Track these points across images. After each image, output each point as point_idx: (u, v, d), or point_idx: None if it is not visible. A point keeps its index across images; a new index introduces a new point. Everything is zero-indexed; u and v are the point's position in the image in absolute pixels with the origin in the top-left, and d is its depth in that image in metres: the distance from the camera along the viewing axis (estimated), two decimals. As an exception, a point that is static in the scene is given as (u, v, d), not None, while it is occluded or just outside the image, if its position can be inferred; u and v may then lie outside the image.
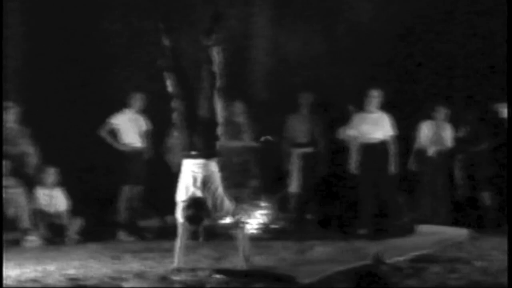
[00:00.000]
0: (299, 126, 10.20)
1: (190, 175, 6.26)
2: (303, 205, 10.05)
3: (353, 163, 9.68)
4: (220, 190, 6.31)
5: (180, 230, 6.41)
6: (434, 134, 9.92)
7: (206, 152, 6.33)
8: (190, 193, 6.22)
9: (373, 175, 9.54)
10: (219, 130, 6.50)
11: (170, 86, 6.45)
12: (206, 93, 6.44)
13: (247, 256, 6.40)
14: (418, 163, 9.96)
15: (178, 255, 6.43)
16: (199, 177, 6.23)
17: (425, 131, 9.97)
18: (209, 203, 6.21)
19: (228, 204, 6.35)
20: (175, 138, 7.11)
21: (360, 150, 9.67)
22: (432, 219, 9.50)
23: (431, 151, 9.89)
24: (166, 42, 6.50)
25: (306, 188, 10.06)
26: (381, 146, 9.61)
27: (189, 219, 6.18)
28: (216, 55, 6.47)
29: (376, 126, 9.64)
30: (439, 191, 9.84)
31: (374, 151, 9.59)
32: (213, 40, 6.46)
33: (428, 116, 10.00)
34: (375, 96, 9.68)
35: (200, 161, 6.28)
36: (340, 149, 10.05)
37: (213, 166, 6.34)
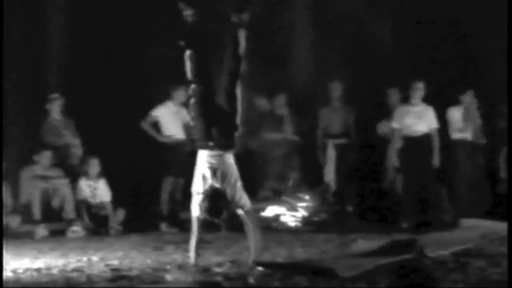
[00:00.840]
0: (331, 117, 10.16)
1: (207, 166, 5.98)
2: (342, 197, 10.01)
3: (395, 156, 9.59)
4: (239, 183, 6.05)
5: (194, 225, 6.15)
6: (465, 119, 9.72)
7: (223, 142, 6.01)
8: (207, 185, 5.95)
9: (416, 168, 9.44)
10: (239, 120, 6.13)
11: (188, 69, 6.11)
12: (227, 79, 6.08)
13: (258, 248, 6.13)
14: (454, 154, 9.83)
15: (194, 251, 6.17)
16: (217, 169, 5.96)
17: (455, 117, 9.76)
18: (229, 195, 5.96)
19: (246, 198, 6.10)
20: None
21: (403, 143, 9.58)
22: (472, 212, 9.35)
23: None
24: (187, 16, 6.12)
25: (342, 179, 10.02)
26: (424, 139, 9.51)
27: (208, 211, 5.92)
28: (243, 37, 6.08)
29: (419, 119, 9.53)
30: (475, 181, 9.67)
31: (417, 144, 9.49)
32: (242, 19, 6.09)
33: (457, 102, 9.83)
34: (419, 88, 9.54)
35: (216, 152, 6.00)
36: (375, 141, 10.03)
37: (230, 158, 6.05)
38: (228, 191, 5.97)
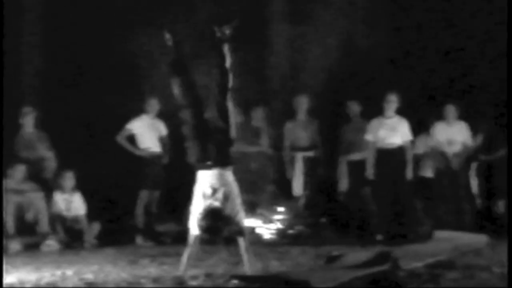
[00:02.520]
0: (298, 131, 10.20)
1: (208, 186, 6.03)
2: (315, 209, 10.05)
3: (370, 168, 9.64)
4: (239, 200, 6.15)
5: (191, 241, 6.24)
6: (447, 135, 9.82)
7: (221, 160, 6.09)
8: (206, 204, 5.98)
9: (390, 180, 9.49)
10: (233, 134, 6.22)
11: (176, 94, 6.18)
12: (216, 95, 6.13)
13: (253, 262, 6.25)
14: (435, 167, 9.92)
15: (185, 264, 6.25)
16: (219, 189, 6.00)
17: (439, 132, 9.87)
18: (229, 213, 6.02)
19: (243, 215, 6.18)
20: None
21: (377, 156, 9.62)
22: (451, 225, 9.42)
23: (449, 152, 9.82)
24: (169, 41, 6.24)
25: (312, 192, 10.07)
26: (398, 152, 9.55)
27: (206, 230, 5.98)
28: (228, 52, 6.17)
29: (393, 131, 9.58)
30: (461, 195, 9.74)
31: (391, 157, 9.53)
32: (226, 33, 6.17)
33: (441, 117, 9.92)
34: (392, 100, 9.60)
35: (216, 171, 6.05)
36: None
37: (230, 175, 6.13)
38: (228, 210, 6.04)
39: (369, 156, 9.67)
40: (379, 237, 9.32)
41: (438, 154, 9.83)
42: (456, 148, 9.76)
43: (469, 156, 9.91)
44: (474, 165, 10.03)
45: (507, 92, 9.36)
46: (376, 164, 9.58)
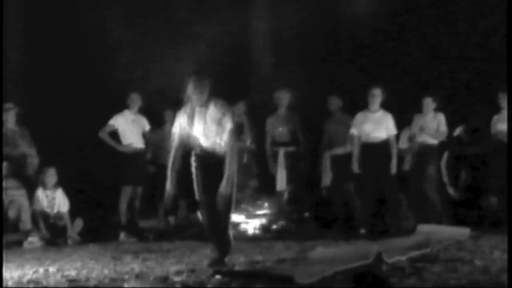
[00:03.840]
0: (279, 126, 10.22)
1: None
2: (298, 204, 10.07)
3: (355, 162, 9.65)
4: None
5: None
6: (420, 126, 9.82)
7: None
8: None
9: (375, 174, 9.51)
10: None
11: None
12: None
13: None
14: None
15: None
16: None
17: (415, 124, 9.86)
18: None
19: None
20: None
21: (362, 150, 9.63)
22: (429, 218, 9.44)
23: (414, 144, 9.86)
24: None
25: (295, 187, 10.08)
26: (383, 146, 9.56)
27: None
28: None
29: (378, 126, 9.58)
30: (426, 188, 9.70)
31: (376, 151, 9.55)
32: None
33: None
34: (376, 94, 9.59)
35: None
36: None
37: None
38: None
39: (354, 150, 9.68)
40: (362, 231, 9.33)
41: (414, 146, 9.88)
42: (433, 139, 9.79)
43: (445, 147, 9.97)
44: (445, 156, 10.07)
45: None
46: (360, 158, 9.58)
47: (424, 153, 9.75)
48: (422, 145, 9.76)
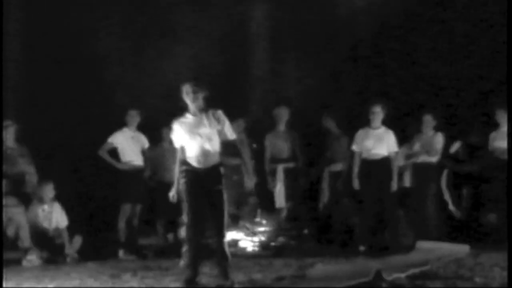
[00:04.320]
0: (278, 142, 10.22)
1: None
2: (297, 221, 10.05)
3: (355, 178, 9.62)
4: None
5: None
6: (421, 145, 9.87)
7: None
8: None
9: (375, 191, 9.47)
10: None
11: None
12: None
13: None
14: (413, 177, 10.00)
15: None
16: None
17: (416, 143, 9.93)
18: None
19: None
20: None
21: (362, 166, 9.61)
22: (430, 235, 9.44)
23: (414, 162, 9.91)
24: None
25: (294, 204, 10.07)
26: (384, 163, 9.54)
27: None
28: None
29: (379, 142, 9.53)
30: (428, 205, 9.73)
31: (376, 167, 9.52)
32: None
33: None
34: (377, 111, 9.57)
35: None
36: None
37: None
38: None
39: (354, 167, 9.66)
40: (362, 248, 9.30)
41: (417, 164, 9.91)
42: (431, 158, 9.83)
43: (443, 164, 10.00)
44: (445, 173, 10.09)
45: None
46: (361, 175, 9.56)
47: (423, 171, 9.78)
48: (422, 163, 9.80)
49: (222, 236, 6.57)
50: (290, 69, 11.59)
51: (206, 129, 6.54)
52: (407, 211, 9.89)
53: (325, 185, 10.24)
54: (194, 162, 6.57)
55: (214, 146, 6.60)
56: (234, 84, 11.14)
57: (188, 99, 6.57)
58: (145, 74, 11.13)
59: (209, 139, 6.56)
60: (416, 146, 9.88)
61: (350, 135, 9.85)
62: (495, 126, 9.69)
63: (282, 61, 11.69)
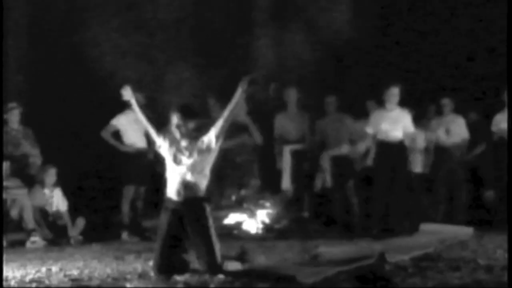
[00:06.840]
0: (287, 123, 10.21)
1: None
2: (301, 203, 10.06)
3: (371, 160, 9.57)
4: None
5: None
6: (446, 128, 9.91)
7: None
8: None
9: (389, 173, 9.38)
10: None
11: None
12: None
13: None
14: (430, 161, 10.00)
15: None
16: None
17: (437, 127, 9.99)
18: None
19: None
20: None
21: (377, 149, 9.52)
22: (440, 217, 9.47)
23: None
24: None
25: (299, 186, 10.07)
26: (400, 145, 9.47)
27: None
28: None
29: (395, 124, 9.42)
30: (457, 188, 9.84)
31: (392, 150, 9.42)
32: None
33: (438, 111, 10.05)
34: (394, 93, 9.44)
35: None
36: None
37: None
38: None
39: (370, 149, 9.61)
40: (366, 230, 9.28)
41: (437, 148, 9.93)
42: (455, 139, 9.89)
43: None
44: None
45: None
46: (376, 157, 9.50)
47: (442, 154, 9.81)
48: (440, 147, 9.83)
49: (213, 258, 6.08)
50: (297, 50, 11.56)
51: (190, 159, 6.23)
52: (414, 195, 9.90)
53: (322, 169, 10.20)
54: (173, 195, 6.23)
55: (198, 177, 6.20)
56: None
57: (174, 131, 6.29)
58: (151, 57, 11.13)
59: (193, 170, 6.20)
60: (440, 131, 9.90)
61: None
62: (501, 106, 9.68)
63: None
